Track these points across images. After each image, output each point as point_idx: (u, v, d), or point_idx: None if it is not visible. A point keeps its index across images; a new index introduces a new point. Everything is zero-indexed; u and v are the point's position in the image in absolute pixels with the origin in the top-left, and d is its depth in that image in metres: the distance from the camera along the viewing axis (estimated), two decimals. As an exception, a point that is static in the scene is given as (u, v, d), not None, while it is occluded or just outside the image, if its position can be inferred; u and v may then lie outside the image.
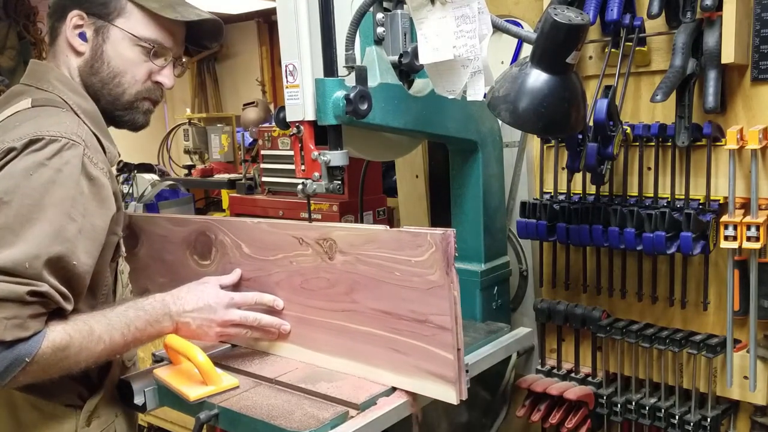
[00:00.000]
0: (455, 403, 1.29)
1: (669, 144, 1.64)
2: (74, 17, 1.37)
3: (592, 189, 1.74)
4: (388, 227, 1.34)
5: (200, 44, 1.56)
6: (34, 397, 1.34)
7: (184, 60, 1.52)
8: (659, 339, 1.67)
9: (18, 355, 1.14)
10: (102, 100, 1.41)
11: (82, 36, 1.38)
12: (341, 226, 1.45)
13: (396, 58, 1.53)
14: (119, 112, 1.43)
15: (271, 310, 1.52)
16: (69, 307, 1.22)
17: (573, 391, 1.77)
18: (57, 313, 1.21)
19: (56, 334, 1.19)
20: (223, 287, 1.50)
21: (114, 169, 1.42)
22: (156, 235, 1.75)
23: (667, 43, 1.63)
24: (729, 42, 1.48)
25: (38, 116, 1.27)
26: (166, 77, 1.45)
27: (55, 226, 1.18)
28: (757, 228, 1.47)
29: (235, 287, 1.56)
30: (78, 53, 1.39)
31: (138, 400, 1.45)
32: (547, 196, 1.83)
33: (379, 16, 1.51)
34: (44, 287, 1.15)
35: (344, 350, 1.44)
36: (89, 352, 1.24)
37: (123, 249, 1.49)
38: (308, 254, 1.45)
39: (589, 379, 1.83)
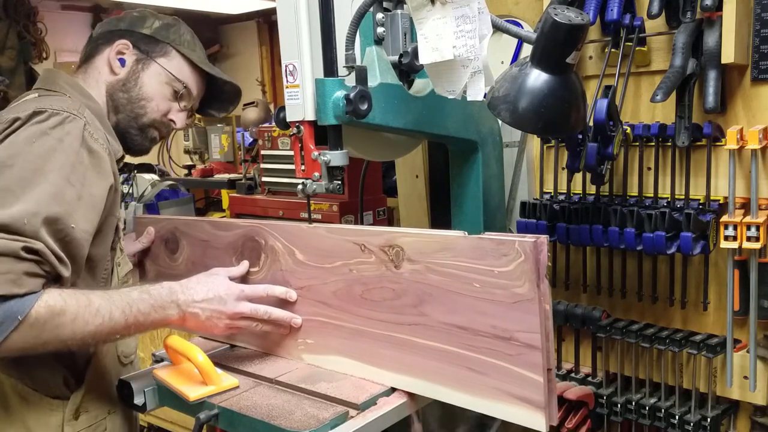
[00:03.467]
0: (544, 431, 1.16)
1: (669, 144, 1.64)
2: (120, 45, 1.53)
3: (592, 189, 1.74)
4: (465, 233, 1.22)
5: (209, 109, 1.74)
6: (22, 385, 1.35)
7: (194, 115, 1.70)
8: (659, 339, 1.67)
9: (10, 311, 1.13)
10: (122, 112, 1.53)
11: (122, 61, 1.53)
12: (410, 232, 1.31)
13: (396, 58, 1.53)
14: (133, 130, 1.55)
15: (282, 303, 1.49)
16: (66, 272, 1.22)
17: (573, 391, 1.77)
18: (56, 281, 1.22)
19: (51, 296, 1.18)
20: (232, 279, 1.48)
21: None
22: (198, 240, 1.68)
23: (667, 43, 1.63)
24: (729, 42, 1.48)
25: (43, 98, 1.38)
26: (179, 119, 1.60)
27: (55, 188, 1.23)
28: (757, 228, 1.47)
29: (243, 279, 1.54)
30: (114, 72, 1.53)
31: (138, 400, 1.45)
32: (547, 196, 1.83)
33: (379, 16, 1.51)
34: (39, 245, 1.17)
35: (409, 367, 1.32)
36: (85, 323, 1.22)
37: (123, 240, 1.52)
38: (371, 262, 1.35)
39: (589, 379, 1.83)
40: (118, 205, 1.44)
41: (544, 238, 1.12)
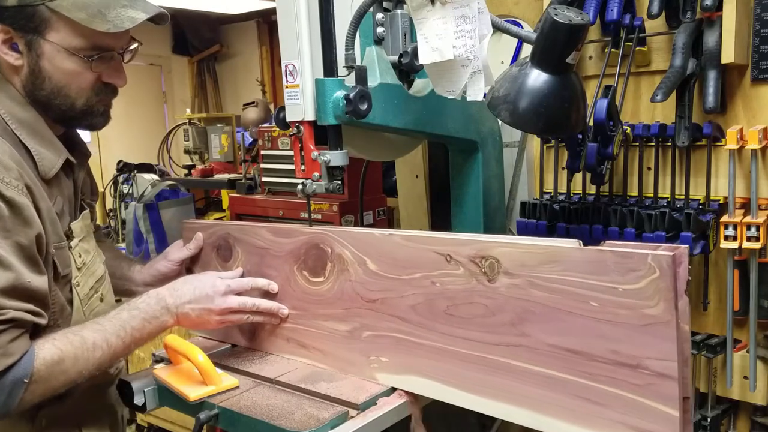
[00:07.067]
0: None
1: (669, 144, 1.64)
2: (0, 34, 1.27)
3: (592, 189, 1.74)
4: (580, 243, 1.07)
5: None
6: None
7: (134, 45, 1.38)
8: (659, 339, 1.67)
9: (15, 379, 1.14)
10: (54, 110, 1.33)
11: (15, 47, 1.28)
12: (508, 241, 1.17)
13: (396, 58, 1.53)
14: (77, 115, 1.35)
15: (267, 295, 1.52)
16: (43, 321, 1.22)
17: (573, 391, 1.76)
18: (39, 331, 1.21)
19: (46, 350, 1.19)
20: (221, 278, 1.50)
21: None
22: (255, 248, 1.58)
23: (667, 43, 1.63)
24: (729, 42, 1.48)
25: None
26: (116, 78, 1.35)
27: None
28: (757, 228, 1.47)
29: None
30: (15, 69, 1.30)
31: (138, 400, 1.45)
32: (547, 196, 1.83)
33: (379, 16, 1.51)
34: (10, 313, 1.14)
35: (506, 393, 1.18)
36: (86, 360, 1.23)
37: (74, 262, 1.39)
38: (458, 274, 1.21)
39: (589, 379, 1.83)
40: (53, 239, 1.30)
41: (684, 249, 0.99)
